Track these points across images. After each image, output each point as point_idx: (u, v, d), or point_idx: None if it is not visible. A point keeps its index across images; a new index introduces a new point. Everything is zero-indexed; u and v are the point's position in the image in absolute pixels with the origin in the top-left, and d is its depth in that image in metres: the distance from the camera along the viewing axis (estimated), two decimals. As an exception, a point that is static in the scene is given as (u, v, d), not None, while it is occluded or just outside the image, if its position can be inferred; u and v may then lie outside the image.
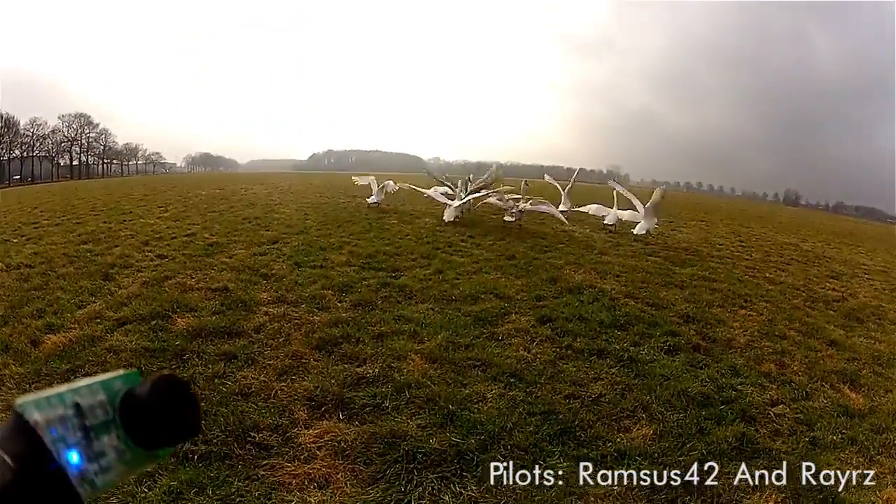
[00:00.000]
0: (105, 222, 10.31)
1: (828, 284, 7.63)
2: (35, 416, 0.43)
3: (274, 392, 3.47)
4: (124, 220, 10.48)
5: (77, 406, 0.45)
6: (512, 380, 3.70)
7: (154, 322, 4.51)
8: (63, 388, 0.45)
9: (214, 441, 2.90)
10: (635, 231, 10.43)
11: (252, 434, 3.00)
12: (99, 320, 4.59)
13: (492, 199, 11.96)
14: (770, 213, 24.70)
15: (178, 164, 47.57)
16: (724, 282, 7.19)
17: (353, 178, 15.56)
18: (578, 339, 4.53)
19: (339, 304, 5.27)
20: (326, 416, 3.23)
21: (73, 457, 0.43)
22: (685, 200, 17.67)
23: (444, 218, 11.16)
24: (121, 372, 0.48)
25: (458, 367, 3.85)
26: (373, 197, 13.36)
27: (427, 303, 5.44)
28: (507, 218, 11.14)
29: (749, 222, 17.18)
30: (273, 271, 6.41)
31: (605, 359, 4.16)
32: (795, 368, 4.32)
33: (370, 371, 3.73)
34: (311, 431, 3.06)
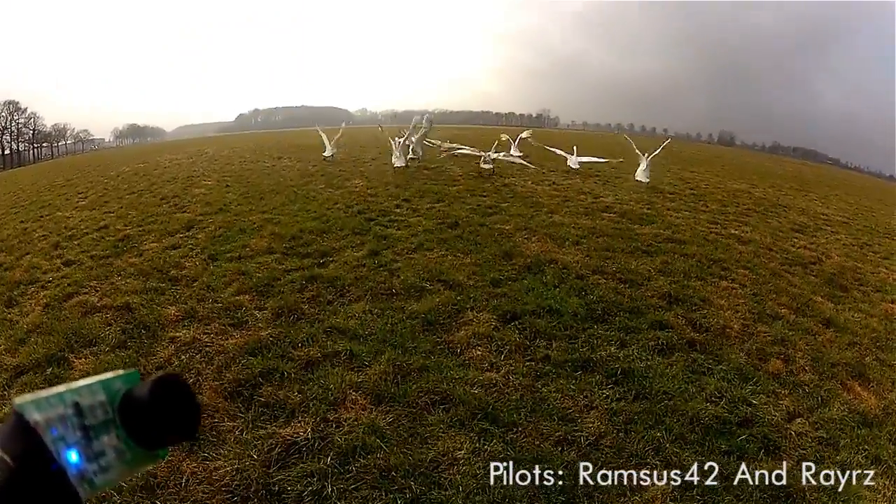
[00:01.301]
0: (22, 222, 9.42)
1: (796, 241, 7.57)
2: (35, 416, 0.45)
3: (185, 479, 2.58)
4: (41, 217, 9.60)
5: (77, 406, 0.47)
6: (485, 423, 2.98)
7: (50, 370, 3.74)
8: (62, 388, 0.47)
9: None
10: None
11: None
12: (-3, 371, 3.73)
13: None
14: (711, 156, 25.51)
15: (107, 140, 47.93)
16: (692, 243, 6.87)
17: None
18: (555, 345, 3.90)
19: (257, 315, 4.37)
20: (252, 518, 2.39)
21: (73, 456, 0.46)
22: (617, 143, 17.76)
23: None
24: (121, 372, 0.50)
25: (414, 410, 3.07)
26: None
27: (363, 301, 4.59)
28: (483, 165, 11.87)
29: (692, 166, 17.43)
30: (184, 272, 5.54)
31: (593, 373, 3.56)
32: (801, 363, 3.98)
33: (301, 432, 2.86)
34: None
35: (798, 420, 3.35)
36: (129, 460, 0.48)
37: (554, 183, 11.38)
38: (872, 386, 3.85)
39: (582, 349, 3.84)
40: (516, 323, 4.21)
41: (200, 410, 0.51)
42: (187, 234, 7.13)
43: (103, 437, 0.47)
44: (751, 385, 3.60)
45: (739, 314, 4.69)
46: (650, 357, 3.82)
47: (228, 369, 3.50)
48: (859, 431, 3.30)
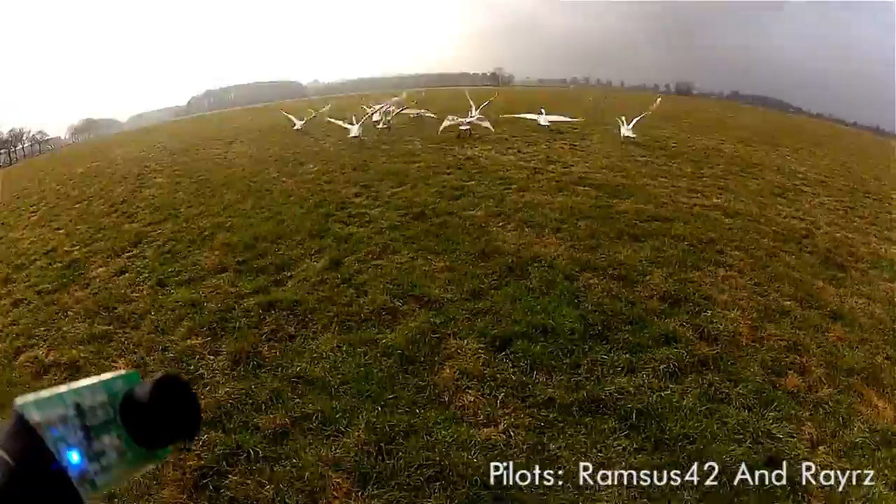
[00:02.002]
0: (-24, 252, 8.91)
1: (780, 209, 7.47)
2: (35, 416, 0.44)
3: None
4: (-6, 244, 9.15)
5: (78, 406, 0.46)
6: (492, 505, 2.65)
7: None
8: (63, 388, 0.46)
9: None
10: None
11: None
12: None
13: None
14: (673, 109, 25.41)
15: (63, 137, 45.43)
16: (677, 220, 6.66)
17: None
18: (556, 380, 3.56)
19: (214, 367, 3.94)
20: None
21: (74, 457, 0.45)
22: (576, 99, 17.87)
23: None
24: (122, 372, 0.50)
25: (407, 493, 2.69)
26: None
27: (329, 332, 4.18)
28: (462, 128, 12.77)
29: (657, 122, 17.20)
30: (131, 307, 5.20)
31: (606, 418, 3.25)
32: (817, 373, 3.80)
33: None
34: None
35: (821, 449, 3.19)
36: (130, 460, 0.48)
37: (519, 151, 10.96)
38: (887, 393, 3.74)
39: (587, 384, 3.52)
40: (507, 352, 3.85)
41: (201, 410, 0.51)
42: (135, 251, 6.88)
43: (104, 437, 0.47)
44: (772, 411, 3.39)
45: (746, 313, 4.48)
46: (662, 385, 3.55)
47: (188, 452, 3.03)
48: (880, 454, 3.18)
